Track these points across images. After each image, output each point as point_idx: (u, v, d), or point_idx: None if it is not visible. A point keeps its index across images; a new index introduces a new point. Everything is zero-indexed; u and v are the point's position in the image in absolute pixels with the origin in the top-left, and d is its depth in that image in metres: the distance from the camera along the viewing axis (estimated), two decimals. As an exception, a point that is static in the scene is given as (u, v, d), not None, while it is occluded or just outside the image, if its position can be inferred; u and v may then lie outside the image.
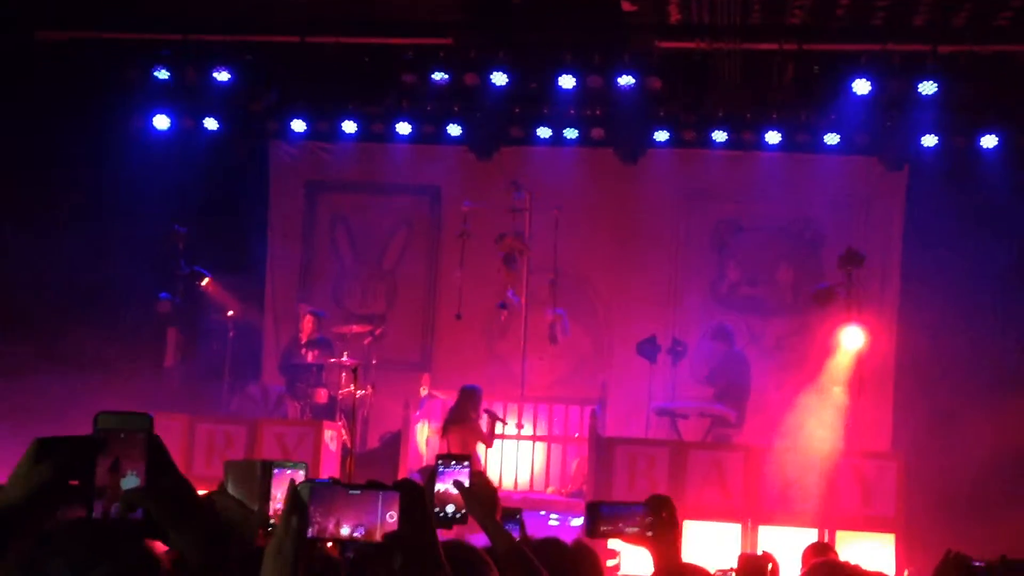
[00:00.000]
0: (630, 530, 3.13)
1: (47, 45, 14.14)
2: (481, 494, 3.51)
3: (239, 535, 2.92)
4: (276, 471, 3.25)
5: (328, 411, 13.87)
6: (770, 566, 3.66)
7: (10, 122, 13.39)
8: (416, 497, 2.67)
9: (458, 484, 3.41)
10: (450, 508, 3.39)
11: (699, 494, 12.05)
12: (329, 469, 12.93)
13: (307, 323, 14.24)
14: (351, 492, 2.52)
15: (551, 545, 4.64)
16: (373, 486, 2.56)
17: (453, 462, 3.43)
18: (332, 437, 13.23)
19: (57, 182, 13.90)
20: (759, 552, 3.67)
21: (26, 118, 13.79)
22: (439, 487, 3.41)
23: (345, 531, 2.51)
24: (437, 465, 3.44)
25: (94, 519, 2.38)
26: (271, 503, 3.24)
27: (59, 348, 13.77)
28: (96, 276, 14.28)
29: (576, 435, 13.78)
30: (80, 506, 2.43)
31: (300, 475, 3.27)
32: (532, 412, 14.10)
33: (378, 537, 2.54)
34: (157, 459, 2.44)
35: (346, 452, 13.45)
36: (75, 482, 2.39)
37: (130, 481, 2.47)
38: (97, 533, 2.33)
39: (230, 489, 3.17)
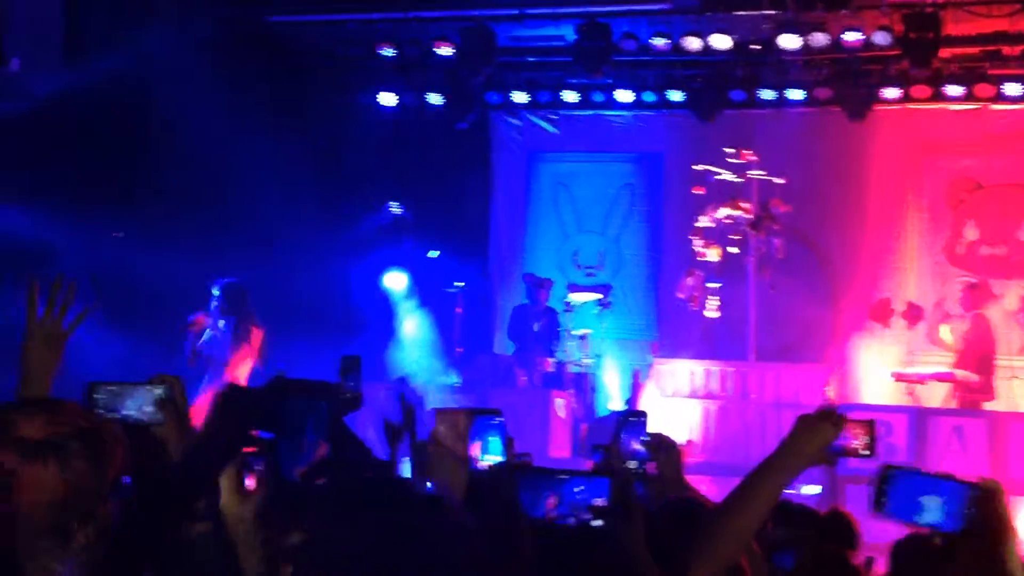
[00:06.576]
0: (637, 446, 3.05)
1: (276, 28, 14.53)
2: (666, 451, 3.46)
3: None
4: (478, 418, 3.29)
5: (556, 380, 13.97)
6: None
7: (240, 105, 13.82)
8: (623, 487, 2.68)
9: (644, 441, 3.37)
10: (632, 464, 3.37)
11: (940, 463, 11.70)
12: (560, 438, 13.05)
13: (534, 293, 14.33)
14: (558, 477, 2.55)
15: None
16: (576, 473, 2.59)
17: (632, 417, 3.40)
18: (562, 406, 13.34)
19: (287, 160, 14.27)
20: None
21: (257, 103, 14.23)
22: (622, 442, 3.38)
23: (553, 514, 2.55)
24: (620, 420, 3.40)
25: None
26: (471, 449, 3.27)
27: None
28: (331, 254, 14.69)
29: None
30: None
31: (499, 419, 3.26)
32: (760, 376, 13.90)
33: (589, 521, 2.56)
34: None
35: (576, 422, 13.57)
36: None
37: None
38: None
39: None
